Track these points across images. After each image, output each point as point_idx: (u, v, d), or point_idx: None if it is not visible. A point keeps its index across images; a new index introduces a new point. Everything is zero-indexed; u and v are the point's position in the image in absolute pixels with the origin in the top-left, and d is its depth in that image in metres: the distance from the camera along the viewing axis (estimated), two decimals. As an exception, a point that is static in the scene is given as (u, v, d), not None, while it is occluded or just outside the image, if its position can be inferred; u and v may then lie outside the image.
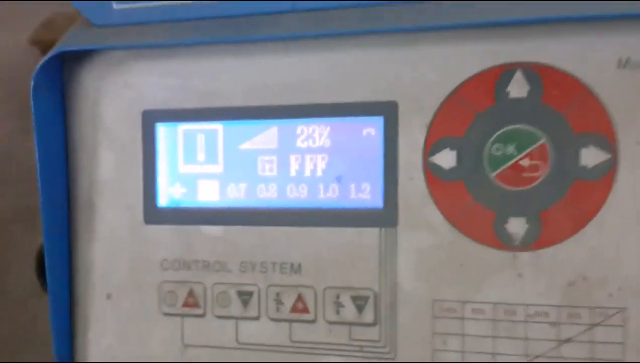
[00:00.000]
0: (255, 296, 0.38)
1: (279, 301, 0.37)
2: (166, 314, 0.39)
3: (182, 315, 0.39)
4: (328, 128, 0.37)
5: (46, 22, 1.41)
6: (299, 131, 0.37)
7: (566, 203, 0.33)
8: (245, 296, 0.38)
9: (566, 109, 0.33)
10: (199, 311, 0.39)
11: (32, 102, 0.37)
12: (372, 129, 0.36)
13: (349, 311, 0.36)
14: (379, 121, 0.36)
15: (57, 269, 0.40)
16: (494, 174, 0.34)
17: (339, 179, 0.37)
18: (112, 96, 0.39)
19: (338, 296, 0.37)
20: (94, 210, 0.40)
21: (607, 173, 0.33)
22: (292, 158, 0.37)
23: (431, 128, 0.35)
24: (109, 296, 0.40)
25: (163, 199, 0.39)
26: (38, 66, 0.37)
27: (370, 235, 0.36)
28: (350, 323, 0.36)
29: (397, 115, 0.35)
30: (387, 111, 0.35)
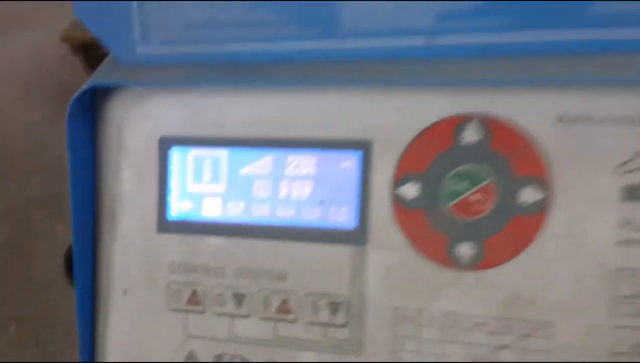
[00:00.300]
0: (247, 297, 0.43)
1: (266, 303, 0.43)
2: (172, 309, 0.44)
3: (186, 311, 0.44)
4: (314, 159, 0.42)
5: (76, 22, 1.46)
6: (289, 160, 0.42)
7: (506, 233, 0.38)
8: (239, 298, 0.43)
9: (510, 154, 0.38)
10: (200, 308, 0.44)
11: (66, 128, 0.42)
12: (350, 162, 0.41)
13: (325, 314, 0.42)
14: (356, 155, 0.41)
15: (83, 267, 0.45)
16: (448, 205, 0.39)
17: (321, 203, 0.42)
18: (134, 123, 0.44)
19: (316, 301, 0.42)
20: (115, 219, 0.45)
21: (542, 210, 0.37)
22: (283, 182, 0.42)
23: (399, 164, 0.40)
24: (125, 292, 0.45)
25: (173, 212, 0.44)
26: (73, 98, 0.42)
27: (345, 251, 0.41)
28: (325, 324, 0.42)
29: (371, 151, 0.40)
30: (364, 148, 0.41)
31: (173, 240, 0.44)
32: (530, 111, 0.37)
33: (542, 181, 0.37)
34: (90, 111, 0.45)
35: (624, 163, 0.36)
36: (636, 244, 0.36)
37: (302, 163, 0.42)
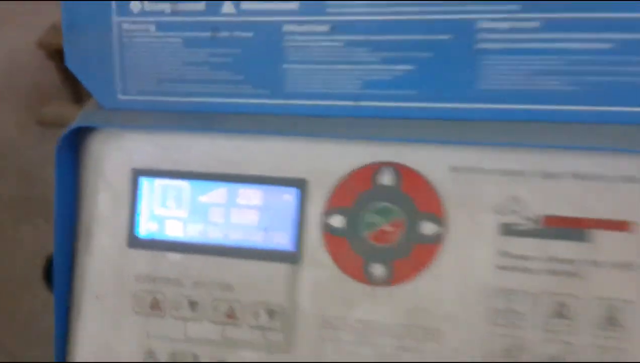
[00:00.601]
0: (200, 304, 0.51)
1: (216, 309, 0.50)
2: (137, 313, 0.51)
3: (148, 315, 0.51)
4: (260, 193, 0.51)
5: (53, 27, 1.50)
6: (240, 192, 0.51)
7: (411, 257, 0.47)
8: (193, 304, 0.51)
9: (415, 195, 0.48)
10: (160, 313, 0.51)
11: (55, 159, 0.50)
12: (290, 196, 0.49)
13: (264, 319, 0.50)
14: (295, 191, 0.49)
15: (61, 275, 0.52)
16: (366, 234, 0.49)
17: (265, 229, 0.51)
18: (111, 157, 0.52)
19: (257, 309, 0.50)
20: (91, 235, 0.53)
21: (438, 240, 0.47)
22: (234, 210, 0.51)
23: (329, 199, 0.49)
24: (97, 297, 0.53)
25: (141, 232, 0.52)
26: (62, 135, 0.50)
27: (282, 268, 0.49)
28: (264, 328, 0.49)
29: (307, 188, 0.49)
30: (301, 185, 0.49)
31: (140, 255, 0.52)
32: (431, 162, 0.47)
33: (438, 217, 0.47)
34: (75, 145, 0.52)
35: (502, 205, 0.46)
36: (510, 269, 0.46)
37: (250, 195, 0.51)
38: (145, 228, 0.52)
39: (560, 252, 0.45)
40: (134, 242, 0.52)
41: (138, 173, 0.52)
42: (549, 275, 0.45)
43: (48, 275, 0.55)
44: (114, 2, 0.49)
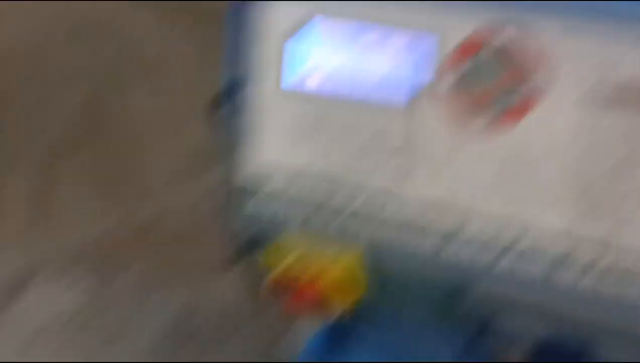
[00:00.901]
0: (335, 139, 0.64)
1: (348, 144, 0.64)
2: (288, 135, 0.67)
3: (297, 141, 0.66)
4: (400, 43, 0.62)
5: None
6: (378, 44, 0.62)
7: (510, 111, 0.59)
8: (332, 136, 0.64)
9: (521, 59, 0.58)
10: (308, 137, 0.66)
11: (225, 25, 0.65)
12: (416, 53, 0.61)
13: (386, 157, 0.63)
14: (432, 40, 0.61)
15: (230, 111, 0.69)
16: (474, 89, 0.59)
17: (401, 75, 0.62)
18: (270, 20, 0.65)
19: (382, 146, 0.63)
20: (254, 82, 0.67)
21: (534, 98, 0.57)
22: (371, 61, 0.62)
23: (448, 58, 0.60)
24: (268, 117, 0.67)
25: (296, 78, 0.65)
26: (231, 8, 0.64)
27: (404, 112, 0.61)
28: (385, 164, 0.63)
29: (438, 44, 0.60)
30: (436, 38, 0.60)
31: (292, 97, 0.66)
32: (541, 28, 0.57)
33: (538, 78, 0.57)
34: (241, 12, 0.66)
35: (588, 76, 0.56)
36: (589, 128, 0.56)
37: (397, 40, 0.62)
38: (297, 77, 0.65)
39: (627, 121, 0.55)
40: (290, 88, 0.65)
41: (291, 32, 0.64)
42: (617, 135, 0.56)
43: (214, 109, 0.69)
44: None
